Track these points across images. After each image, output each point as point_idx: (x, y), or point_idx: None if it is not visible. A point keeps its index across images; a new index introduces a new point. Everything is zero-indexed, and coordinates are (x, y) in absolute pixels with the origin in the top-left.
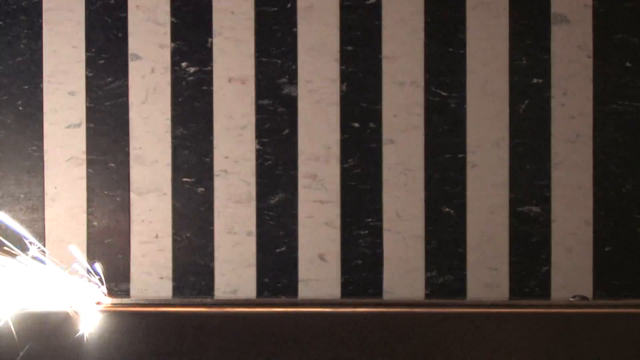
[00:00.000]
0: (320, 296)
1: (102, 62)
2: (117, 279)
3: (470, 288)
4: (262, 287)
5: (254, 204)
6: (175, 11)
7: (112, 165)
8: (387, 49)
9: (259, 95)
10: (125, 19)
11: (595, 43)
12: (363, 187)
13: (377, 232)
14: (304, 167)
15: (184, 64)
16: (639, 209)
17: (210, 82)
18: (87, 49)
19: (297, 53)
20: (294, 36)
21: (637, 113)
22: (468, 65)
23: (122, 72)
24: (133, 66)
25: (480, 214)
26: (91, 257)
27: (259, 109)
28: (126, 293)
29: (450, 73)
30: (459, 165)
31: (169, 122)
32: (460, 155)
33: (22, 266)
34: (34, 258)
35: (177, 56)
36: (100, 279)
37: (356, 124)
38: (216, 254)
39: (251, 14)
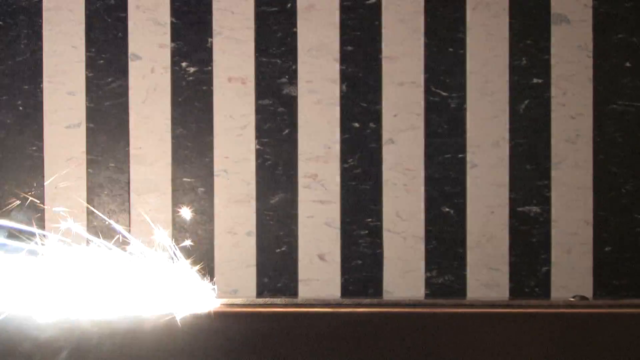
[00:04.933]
0: (320, 296)
1: (102, 62)
2: None
3: (470, 288)
4: (262, 287)
5: (254, 204)
6: (175, 11)
7: (112, 165)
8: (387, 49)
9: (259, 95)
10: (125, 19)
11: (595, 43)
12: (363, 187)
13: (377, 232)
14: (304, 167)
15: (184, 64)
16: (639, 209)
17: (210, 82)
18: (87, 49)
19: (297, 53)
20: (294, 36)
21: (637, 113)
22: (468, 65)
23: (122, 72)
24: (133, 66)
25: (480, 214)
26: None
27: (259, 109)
28: None
29: (450, 73)
30: (459, 165)
31: (169, 122)
32: (460, 155)
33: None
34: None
35: (177, 56)
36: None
37: (356, 124)
38: (216, 254)
39: (251, 14)
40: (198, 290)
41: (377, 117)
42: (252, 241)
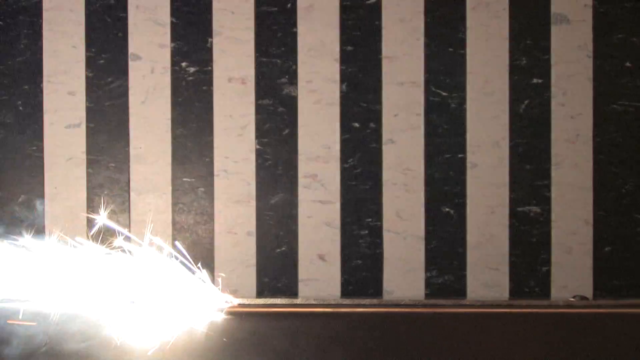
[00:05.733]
0: (320, 296)
1: (102, 62)
2: None
3: (470, 288)
4: (262, 287)
5: (254, 204)
6: (175, 11)
7: (112, 165)
8: (387, 49)
9: (259, 95)
10: (125, 19)
11: (595, 43)
12: (363, 187)
13: (377, 232)
14: (304, 167)
15: (184, 64)
16: (639, 209)
17: (210, 82)
18: (87, 49)
19: (297, 53)
20: (294, 36)
21: (637, 113)
22: (468, 65)
23: (122, 72)
24: (133, 66)
25: (480, 214)
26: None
27: (259, 109)
28: None
29: (450, 73)
30: (459, 165)
31: (169, 122)
32: (460, 155)
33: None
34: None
35: (177, 56)
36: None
37: (356, 124)
38: (216, 254)
39: (251, 14)
40: (201, 293)
41: (377, 117)
42: (252, 241)
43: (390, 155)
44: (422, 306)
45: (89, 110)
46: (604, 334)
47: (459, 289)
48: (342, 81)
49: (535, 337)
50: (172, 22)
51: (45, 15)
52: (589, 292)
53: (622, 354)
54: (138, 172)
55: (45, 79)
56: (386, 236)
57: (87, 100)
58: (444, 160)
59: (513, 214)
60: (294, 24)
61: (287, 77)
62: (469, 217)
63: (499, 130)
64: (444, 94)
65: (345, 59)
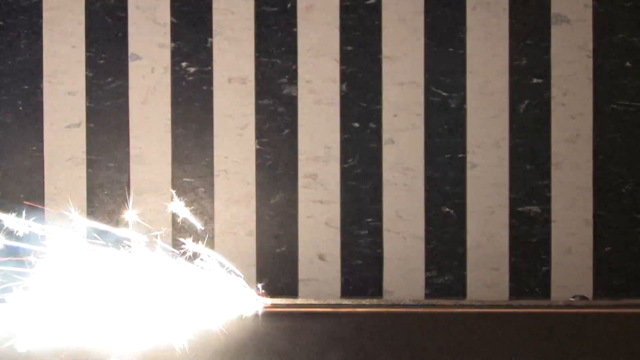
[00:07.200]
0: (320, 296)
1: (102, 62)
2: None
3: (470, 288)
4: (262, 287)
5: (254, 203)
6: (175, 11)
7: (112, 165)
8: (387, 49)
9: (259, 95)
10: (125, 19)
11: (595, 43)
12: (363, 187)
13: (377, 232)
14: (304, 167)
15: (184, 64)
16: (639, 209)
17: (210, 82)
18: (87, 49)
19: (297, 53)
20: (294, 36)
21: (637, 113)
22: (468, 65)
23: (122, 72)
24: (133, 66)
25: (480, 214)
26: None
27: (259, 109)
28: None
29: (450, 73)
30: (459, 165)
31: (169, 122)
32: (460, 155)
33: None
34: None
35: (177, 56)
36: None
37: (356, 124)
38: (216, 254)
39: (251, 14)
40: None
41: (377, 117)
42: (252, 241)
43: (390, 155)
44: (422, 306)
45: (89, 110)
46: (604, 334)
47: (459, 289)
48: (342, 81)
49: (535, 337)
50: (172, 22)
51: (45, 15)
52: (589, 292)
53: (622, 354)
54: (138, 172)
55: (45, 79)
56: (386, 236)
57: (87, 100)
58: (444, 160)
59: (513, 214)
60: (294, 24)
61: (287, 77)
62: (469, 217)
63: (499, 130)
64: (444, 94)
65: (345, 59)
